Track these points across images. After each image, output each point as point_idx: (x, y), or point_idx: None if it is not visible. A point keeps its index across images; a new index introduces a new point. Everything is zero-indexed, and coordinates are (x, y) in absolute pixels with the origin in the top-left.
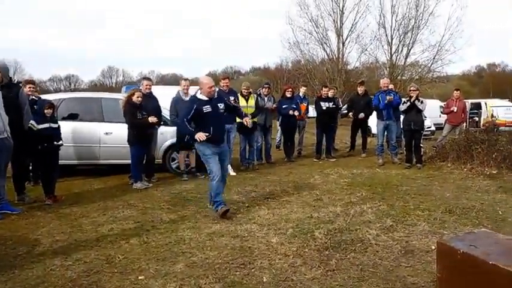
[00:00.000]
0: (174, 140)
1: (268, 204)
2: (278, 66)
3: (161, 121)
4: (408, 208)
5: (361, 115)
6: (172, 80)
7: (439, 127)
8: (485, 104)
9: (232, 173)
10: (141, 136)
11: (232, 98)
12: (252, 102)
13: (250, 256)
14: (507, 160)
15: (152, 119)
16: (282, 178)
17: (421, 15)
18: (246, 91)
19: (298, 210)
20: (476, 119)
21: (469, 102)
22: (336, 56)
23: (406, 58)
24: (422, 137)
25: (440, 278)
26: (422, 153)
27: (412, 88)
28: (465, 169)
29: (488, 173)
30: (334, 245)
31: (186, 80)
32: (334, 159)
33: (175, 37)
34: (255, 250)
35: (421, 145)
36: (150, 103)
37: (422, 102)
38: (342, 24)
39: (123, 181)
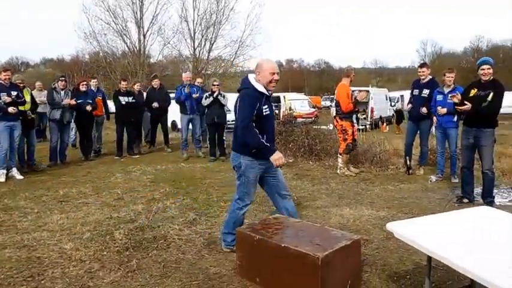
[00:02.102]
0: None
1: (62, 208)
2: (74, 58)
3: None
4: (211, 200)
5: (155, 105)
6: None
7: None
8: (284, 97)
9: (18, 176)
10: None
11: (15, 93)
12: (27, 97)
13: (39, 267)
14: (302, 149)
15: None
16: (78, 179)
17: (222, 10)
18: (19, 85)
19: (96, 211)
20: (277, 111)
21: None
22: (138, 48)
23: (209, 52)
24: (226, 131)
25: (240, 265)
26: (225, 146)
27: (214, 83)
28: None
29: (285, 161)
30: (136, 245)
31: None
32: (137, 156)
33: None
34: (45, 260)
35: (224, 138)
36: None
37: (224, 96)
38: (143, 15)
39: None
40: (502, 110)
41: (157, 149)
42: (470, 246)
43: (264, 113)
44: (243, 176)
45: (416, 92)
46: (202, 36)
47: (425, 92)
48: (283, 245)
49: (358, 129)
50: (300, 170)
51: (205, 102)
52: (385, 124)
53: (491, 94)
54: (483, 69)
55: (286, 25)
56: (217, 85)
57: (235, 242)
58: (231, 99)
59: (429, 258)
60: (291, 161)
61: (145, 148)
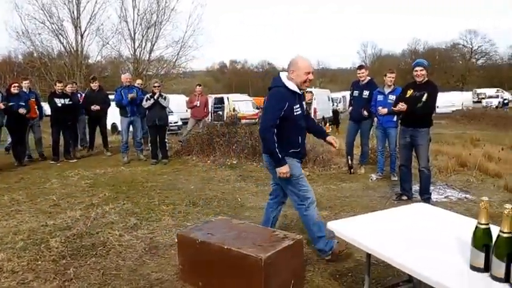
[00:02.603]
0: None
1: None
2: (6, 59)
3: None
4: (153, 204)
5: (95, 107)
6: None
7: (187, 122)
8: (228, 98)
9: None
10: None
11: None
12: None
13: None
14: (245, 151)
15: None
16: (11, 185)
17: (163, 10)
18: None
19: (30, 219)
20: (221, 113)
21: (212, 97)
22: (75, 48)
23: (150, 53)
24: (170, 132)
25: (182, 269)
26: (167, 148)
27: (155, 84)
28: (209, 161)
29: (229, 163)
30: (73, 253)
31: None
32: (75, 160)
33: None
34: None
35: (166, 140)
36: None
37: (165, 98)
38: (80, 15)
39: None
40: (438, 110)
41: (96, 152)
42: (408, 243)
43: (295, 113)
44: (292, 179)
45: (356, 93)
46: (143, 37)
47: (366, 93)
48: (225, 247)
49: None
50: (244, 171)
51: (146, 104)
52: (328, 124)
53: (426, 95)
54: (416, 70)
55: (228, 26)
56: (158, 86)
57: (178, 246)
58: (172, 101)
59: (368, 256)
60: (234, 162)
61: (82, 152)
